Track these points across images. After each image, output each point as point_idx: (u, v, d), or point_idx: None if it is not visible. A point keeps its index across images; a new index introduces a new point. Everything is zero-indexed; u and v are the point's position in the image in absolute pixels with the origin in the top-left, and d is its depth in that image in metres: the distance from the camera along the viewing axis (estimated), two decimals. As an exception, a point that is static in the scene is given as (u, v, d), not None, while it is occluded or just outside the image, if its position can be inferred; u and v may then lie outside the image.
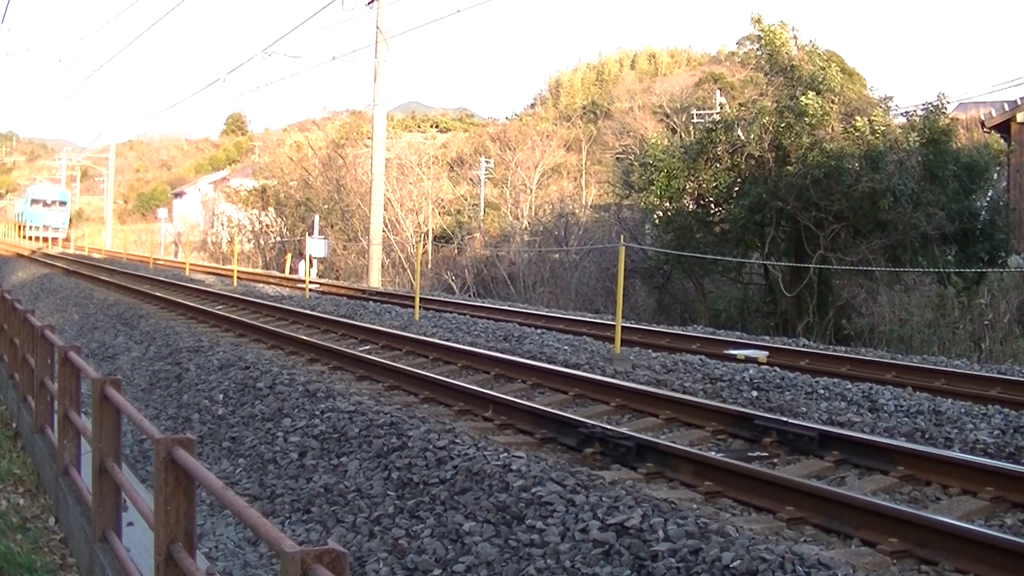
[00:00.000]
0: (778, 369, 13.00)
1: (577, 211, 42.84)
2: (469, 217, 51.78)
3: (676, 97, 62.00)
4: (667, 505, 6.61)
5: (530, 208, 45.65)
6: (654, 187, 25.27)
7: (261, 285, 31.11)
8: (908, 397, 11.15)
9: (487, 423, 10.26)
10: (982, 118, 29.47)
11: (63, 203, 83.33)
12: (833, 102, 23.36)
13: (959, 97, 33.79)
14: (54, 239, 75.71)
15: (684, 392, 11.38)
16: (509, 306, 23.78)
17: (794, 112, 22.83)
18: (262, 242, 54.01)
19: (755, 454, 8.88)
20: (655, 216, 27.25)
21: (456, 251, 43.57)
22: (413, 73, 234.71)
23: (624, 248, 15.03)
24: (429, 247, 43.61)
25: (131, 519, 6.32)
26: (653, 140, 28.56)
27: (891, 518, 6.49)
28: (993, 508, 7.29)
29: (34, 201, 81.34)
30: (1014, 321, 19.18)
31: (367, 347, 15.94)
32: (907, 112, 24.47)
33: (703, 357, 14.20)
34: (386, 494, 7.93)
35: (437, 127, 78.11)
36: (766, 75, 25.82)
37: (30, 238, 76.62)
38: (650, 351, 15.15)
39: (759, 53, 25.91)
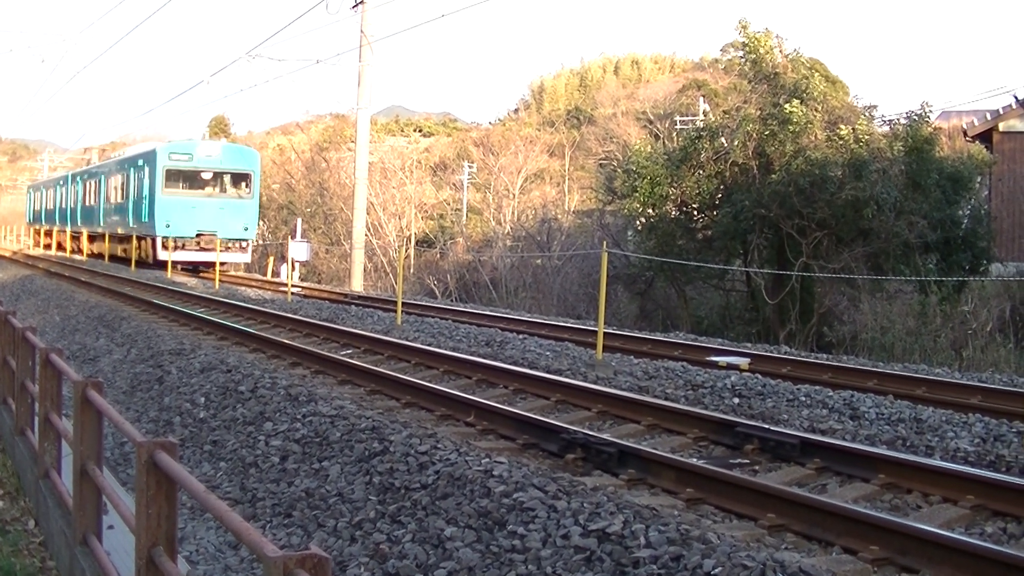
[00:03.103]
0: (760, 376, 12.99)
1: (560, 217, 42.91)
2: (452, 222, 51.81)
3: (659, 103, 62.09)
4: (649, 511, 6.61)
5: (513, 213, 45.67)
6: (637, 193, 25.31)
7: (243, 288, 30.98)
8: (889, 405, 11.18)
9: (469, 428, 10.26)
10: (964, 127, 29.68)
11: (243, 176, 36.60)
12: (817, 110, 23.47)
13: (942, 106, 34.04)
14: (217, 265, 32.18)
15: (666, 399, 11.39)
16: (491, 311, 23.73)
17: (778, 120, 22.91)
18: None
19: (737, 461, 8.90)
20: (638, 222, 27.29)
21: (438, 256, 43.56)
22: (397, 77, 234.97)
23: (607, 254, 15.01)
24: (411, 251, 43.58)
25: (112, 522, 6.30)
26: (636, 146, 28.61)
27: (872, 525, 6.52)
28: (974, 516, 7.33)
29: (171, 177, 35.12)
30: (995, 329, 19.30)
31: (349, 351, 15.90)
32: (890, 120, 24.63)
33: (685, 364, 14.20)
34: (367, 499, 7.91)
35: (420, 131, 78.04)
36: (750, 82, 25.95)
37: (167, 265, 33.72)
38: (632, 357, 15.14)
39: (743, 60, 26.05)
